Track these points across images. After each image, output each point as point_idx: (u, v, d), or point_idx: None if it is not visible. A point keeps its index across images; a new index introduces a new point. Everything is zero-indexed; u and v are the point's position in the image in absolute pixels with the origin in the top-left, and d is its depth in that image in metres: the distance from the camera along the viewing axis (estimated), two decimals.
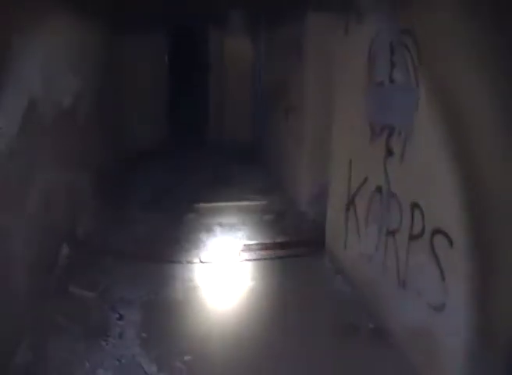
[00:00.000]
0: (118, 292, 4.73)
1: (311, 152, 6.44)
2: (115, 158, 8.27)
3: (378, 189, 4.07)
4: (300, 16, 6.42)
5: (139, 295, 4.70)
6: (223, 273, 5.29)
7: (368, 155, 4.28)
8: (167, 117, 10.45)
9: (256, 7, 9.15)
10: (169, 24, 10.06)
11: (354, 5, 4.45)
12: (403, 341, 3.71)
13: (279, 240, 6.01)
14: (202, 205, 7.11)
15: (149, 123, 9.95)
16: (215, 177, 8.45)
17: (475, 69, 2.81)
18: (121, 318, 4.33)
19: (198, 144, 10.51)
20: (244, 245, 5.84)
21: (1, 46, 3.48)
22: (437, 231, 3.23)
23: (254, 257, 5.60)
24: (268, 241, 5.98)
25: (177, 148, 10.13)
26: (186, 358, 3.78)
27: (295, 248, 5.77)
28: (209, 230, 6.38)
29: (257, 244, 5.87)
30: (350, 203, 4.74)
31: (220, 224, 6.52)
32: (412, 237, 3.55)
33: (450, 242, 3.08)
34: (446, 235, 3.12)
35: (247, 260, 5.55)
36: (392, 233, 3.87)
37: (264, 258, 5.57)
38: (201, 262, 5.47)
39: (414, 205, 3.49)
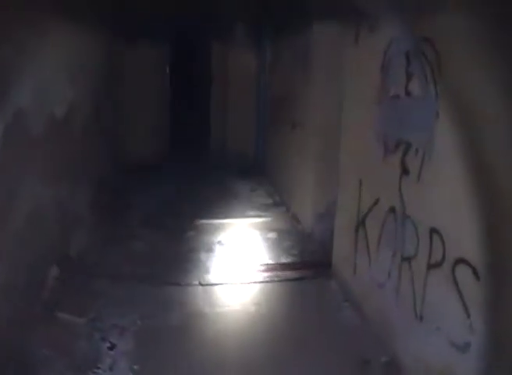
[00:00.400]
0: (110, 318, 4.40)
1: (317, 168, 6.12)
2: (115, 170, 8.01)
3: (392, 210, 3.75)
4: (306, 27, 6.13)
5: (133, 321, 4.39)
6: (224, 296, 4.98)
7: (380, 174, 3.96)
8: (168, 130, 10.16)
9: (260, 19, 8.89)
10: (171, 36, 9.81)
11: (365, 12, 4.15)
12: None
13: (283, 260, 5.69)
14: (203, 221, 6.80)
15: (150, 136, 9.69)
16: (217, 192, 8.15)
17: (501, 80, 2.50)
18: (112, 347, 4.01)
19: (200, 157, 10.20)
20: (246, 267, 5.51)
21: None
22: (460, 261, 2.90)
23: (257, 279, 5.27)
24: (271, 261, 5.66)
25: (178, 162, 9.83)
26: None
27: (300, 270, 5.44)
28: (209, 248, 6.05)
29: (260, 265, 5.54)
30: (360, 224, 4.42)
31: (221, 243, 6.20)
32: (431, 266, 3.22)
33: (476, 274, 2.75)
34: (471, 266, 2.79)
35: (249, 283, 5.21)
36: (407, 259, 3.55)
37: (268, 281, 5.23)
38: (201, 284, 5.15)
39: (433, 231, 3.16)
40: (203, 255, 5.87)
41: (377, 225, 4.04)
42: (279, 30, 7.94)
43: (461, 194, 2.86)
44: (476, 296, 2.76)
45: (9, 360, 3.58)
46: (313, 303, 4.86)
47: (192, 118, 11.09)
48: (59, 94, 4.98)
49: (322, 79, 5.91)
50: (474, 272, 2.76)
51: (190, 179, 9.08)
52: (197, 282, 5.18)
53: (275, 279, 5.27)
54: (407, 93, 3.46)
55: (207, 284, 5.15)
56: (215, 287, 5.12)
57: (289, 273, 5.38)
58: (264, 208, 7.37)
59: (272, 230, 6.57)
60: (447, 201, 3.01)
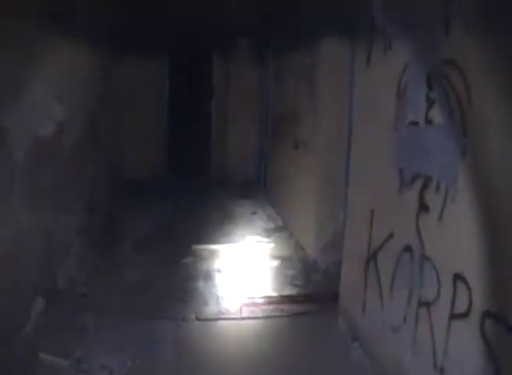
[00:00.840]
0: (98, 358, 4.03)
1: (322, 192, 5.77)
2: (110, 190, 7.66)
3: (408, 249, 3.39)
4: (313, 42, 5.81)
5: (123, 362, 4.02)
6: (222, 333, 4.62)
7: (394, 207, 3.60)
8: (167, 145, 9.83)
9: (263, 32, 8.58)
10: (171, 50, 9.51)
11: (379, 30, 3.82)
12: None
13: (286, 292, 5.33)
14: (201, 247, 6.44)
15: (148, 151, 9.40)
16: (216, 214, 7.80)
17: None
18: None
19: (199, 174, 9.84)
20: (247, 299, 5.14)
21: None
22: (490, 314, 2.54)
23: (258, 314, 4.90)
24: (273, 293, 5.29)
25: (177, 181, 9.47)
26: None
27: (305, 304, 5.07)
28: (208, 277, 5.70)
29: (261, 298, 5.17)
30: (371, 259, 4.05)
31: (220, 271, 5.84)
32: (454, 316, 2.85)
33: (509, 330, 2.39)
34: (503, 321, 2.43)
35: (249, 318, 4.85)
36: (425, 305, 3.18)
37: (270, 316, 4.86)
38: (197, 319, 4.78)
39: (457, 277, 2.80)
40: (200, 285, 5.52)
41: (390, 262, 3.67)
42: (283, 44, 7.62)
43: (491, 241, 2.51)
44: (509, 354, 2.40)
45: None
46: (319, 342, 4.48)
47: (192, 133, 10.75)
48: (45, 113, 4.64)
49: (328, 98, 5.59)
50: (508, 327, 2.40)
51: (188, 198, 8.75)
52: (193, 316, 4.81)
53: (278, 314, 4.90)
54: (428, 121, 3.10)
55: (204, 319, 4.78)
56: (213, 323, 4.75)
57: (293, 307, 5.00)
58: (265, 233, 7.01)
59: (274, 257, 6.21)
60: (475, 247, 2.64)
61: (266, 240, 6.71)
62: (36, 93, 4.32)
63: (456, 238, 2.82)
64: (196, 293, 5.31)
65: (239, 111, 9.46)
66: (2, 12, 3.53)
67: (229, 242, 6.62)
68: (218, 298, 5.21)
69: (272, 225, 7.42)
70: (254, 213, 8.00)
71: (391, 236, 3.67)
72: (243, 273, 5.81)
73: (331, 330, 4.67)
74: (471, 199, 2.68)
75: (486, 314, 2.57)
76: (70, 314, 4.63)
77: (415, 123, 3.27)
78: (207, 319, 4.78)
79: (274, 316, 4.86)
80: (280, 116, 7.68)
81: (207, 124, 9.99)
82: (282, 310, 4.96)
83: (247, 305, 5.03)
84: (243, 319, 4.84)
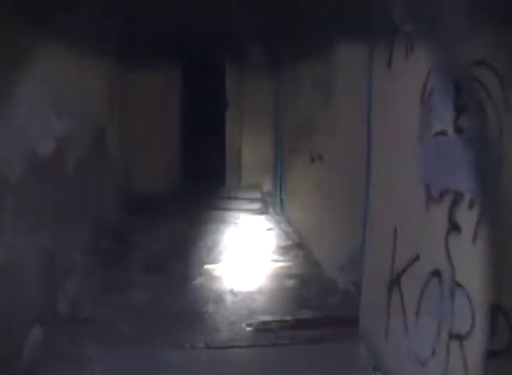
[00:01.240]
0: None
1: (340, 207, 5.42)
2: (119, 206, 7.38)
3: (436, 274, 3.02)
4: (328, 48, 5.48)
5: None
6: (233, 363, 4.28)
7: (420, 226, 3.24)
8: (180, 159, 9.54)
9: (277, 40, 8.27)
10: (184, 58, 9.23)
11: (401, 31, 3.47)
12: None
13: (302, 315, 4.96)
14: (213, 266, 6.12)
15: (160, 165, 9.10)
16: (230, 231, 7.47)
17: None
18: None
19: (213, 189, 9.50)
20: (260, 323, 4.80)
21: None
22: None
23: (272, 341, 4.53)
24: (289, 317, 4.92)
25: (190, 193, 9.17)
26: None
27: (322, 329, 4.70)
28: (219, 299, 5.36)
29: (275, 322, 4.82)
30: (395, 282, 3.67)
31: (232, 292, 5.49)
32: (493, 354, 2.48)
33: None
34: None
35: (262, 346, 4.49)
36: (458, 338, 2.80)
37: (286, 344, 4.49)
38: (207, 347, 4.42)
39: (497, 308, 2.43)
40: (211, 307, 5.18)
41: (416, 287, 3.29)
42: (297, 52, 7.29)
43: None
44: None
45: None
46: (337, 371, 4.12)
47: (205, 145, 10.47)
48: (43, 130, 4.36)
49: (346, 107, 5.24)
50: None
51: (201, 213, 8.45)
52: (202, 344, 4.47)
53: (294, 340, 4.53)
54: (458, 130, 2.74)
55: (214, 347, 4.43)
56: (224, 351, 4.41)
57: (310, 333, 4.63)
58: (281, 251, 6.66)
59: (290, 276, 5.86)
60: None
61: (282, 258, 6.36)
62: (30, 109, 4.04)
63: (494, 264, 2.45)
64: (206, 317, 4.98)
65: (253, 122, 9.14)
66: None
67: (242, 261, 6.29)
68: (229, 322, 4.87)
69: (288, 242, 7.06)
70: (270, 229, 7.65)
71: (417, 258, 3.30)
72: (257, 294, 5.47)
73: (350, 358, 4.28)
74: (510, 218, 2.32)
75: None
76: (71, 342, 4.32)
77: (443, 133, 2.91)
78: (217, 347, 4.43)
79: (289, 343, 4.49)
80: (296, 127, 7.34)
81: (221, 136, 9.67)
82: (299, 336, 4.59)
83: (260, 330, 4.70)
84: (256, 346, 4.48)
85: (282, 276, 5.89)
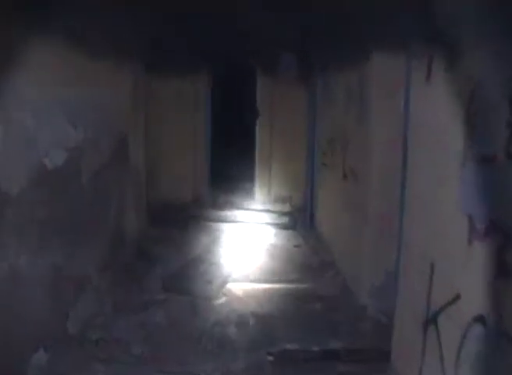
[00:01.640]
0: None
1: (374, 229, 5.02)
2: (141, 218, 7.09)
3: (480, 320, 2.62)
4: (363, 58, 5.10)
5: None
6: None
7: (462, 263, 2.84)
8: (208, 170, 9.22)
9: (310, 49, 7.91)
10: (212, 67, 8.92)
11: (443, 40, 3.09)
12: None
13: (330, 346, 4.57)
14: (236, 285, 5.79)
15: (187, 176, 8.81)
16: (256, 247, 7.13)
17: None
18: None
19: (242, 203, 9.15)
20: (283, 352, 4.43)
21: None
22: None
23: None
24: (315, 347, 4.53)
25: (216, 207, 8.86)
26: None
27: (351, 363, 4.31)
28: (240, 322, 5.03)
29: (299, 352, 4.45)
30: (431, 322, 3.28)
31: (255, 315, 5.14)
32: None
33: None
34: None
35: None
36: None
37: None
38: None
39: None
40: (231, 331, 4.86)
41: (456, 331, 2.89)
42: (331, 61, 6.93)
43: None
44: None
45: None
46: None
47: (234, 156, 10.16)
48: (54, 140, 4.09)
49: (382, 122, 4.86)
50: None
51: (228, 226, 8.14)
52: (219, 374, 4.14)
53: None
54: (510, 155, 2.35)
55: None
56: None
57: (336, 366, 4.26)
58: (308, 271, 6.28)
59: (317, 299, 5.48)
60: None
61: (309, 278, 5.98)
62: (37, 118, 3.77)
63: None
64: (225, 342, 4.65)
65: (285, 133, 8.76)
66: None
67: (267, 281, 5.94)
68: (249, 349, 4.52)
69: (316, 260, 6.66)
70: (299, 246, 7.28)
71: (457, 298, 2.90)
72: (281, 317, 5.11)
73: None
74: None
75: None
76: (78, 367, 4.04)
77: (491, 158, 2.51)
78: None
79: None
80: (328, 139, 6.97)
81: (251, 146, 9.32)
82: (325, 369, 4.23)
83: (282, 361, 4.33)
84: None
85: (308, 298, 5.52)
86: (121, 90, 6.12)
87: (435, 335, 3.23)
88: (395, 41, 4.36)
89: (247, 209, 8.77)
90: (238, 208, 8.85)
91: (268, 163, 8.97)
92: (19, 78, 3.49)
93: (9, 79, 3.32)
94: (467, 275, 2.76)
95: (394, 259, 4.75)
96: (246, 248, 7.06)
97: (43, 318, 4.01)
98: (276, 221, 8.29)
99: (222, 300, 5.50)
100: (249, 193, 9.45)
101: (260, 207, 8.83)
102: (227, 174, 9.93)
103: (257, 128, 9.12)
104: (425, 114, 3.48)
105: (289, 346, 4.53)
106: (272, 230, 8.00)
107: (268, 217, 8.44)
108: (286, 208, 8.69)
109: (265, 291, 5.69)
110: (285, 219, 8.31)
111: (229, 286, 5.79)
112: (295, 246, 7.26)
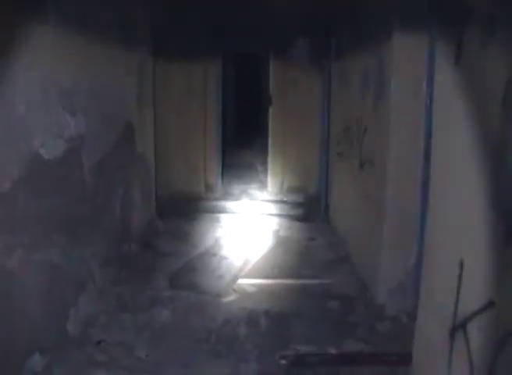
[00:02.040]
0: None
1: (393, 223, 4.70)
2: (147, 211, 6.83)
3: None
4: (382, 39, 4.77)
5: None
6: None
7: (498, 265, 2.53)
8: (219, 158, 8.88)
9: (325, 31, 7.57)
10: (224, 52, 8.60)
11: (474, 11, 2.75)
12: None
13: (346, 348, 4.28)
14: (247, 281, 5.52)
15: (197, 165, 8.54)
16: (268, 240, 6.82)
17: None
18: None
19: (255, 194, 8.85)
20: (296, 355, 4.15)
21: None
22: None
23: None
24: (331, 349, 4.24)
25: (228, 197, 8.58)
26: None
27: (370, 366, 4.02)
28: (252, 321, 4.74)
29: (314, 355, 4.16)
30: (459, 328, 2.96)
31: (267, 313, 4.85)
32: None
33: None
34: None
35: None
36: None
37: None
38: None
39: None
40: (241, 332, 4.58)
41: (489, 342, 2.59)
42: (346, 44, 6.58)
43: None
44: None
45: None
46: None
47: (246, 144, 9.85)
48: (50, 130, 3.81)
49: (401, 108, 4.52)
50: None
51: (240, 218, 7.87)
52: None
53: None
54: None
55: None
56: None
57: (355, 370, 3.97)
58: (324, 266, 5.98)
59: (332, 297, 5.18)
60: None
61: (324, 274, 5.69)
62: (31, 106, 3.49)
63: None
64: (235, 344, 4.36)
65: (298, 121, 8.42)
66: None
67: (280, 277, 5.65)
68: (260, 351, 4.24)
69: (331, 255, 6.37)
70: (313, 239, 6.97)
71: (491, 305, 2.59)
72: (295, 317, 4.82)
73: None
74: None
75: None
76: (78, 372, 3.78)
77: None
78: None
79: None
80: (343, 127, 6.63)
81: (263, 134, 8.99)
82: (342, 374, 3.94)
83: (296, 364, 4.05)
84: None
85: (323, 295, 5.23)
86: (126, 76, 5.84)
87: (464, 343, 2.92)
88: (418, 20, 4.02)
89: (260, 200, 8.47)
90: (250, 198, 8.56)
91: (281, 152, 8.64)
92: (12, 63, 3.22)
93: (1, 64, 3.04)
94: (505, 280, 2.45)
95: (414, 256, 4.46)
96: (258, 241, 6.76)
97: (39, 319, 3.75)
98: (290, 212, 8.00)
99: (233, 297, 5.23)
100: (261, 183, 9.15)
101: (273, 198, 8.52)
102: (239, 163, 9.64)
103: (269, 116, 8.77)
104: (454, 101, 3.14)
105: (303, 348, 4.25)
106: (286, 222, 7.71)
107: (281, 208, 8.15)
108: (300, 198, 8.37)
109: (278, 287, 5.42)
110: (299, 211, 8.01)
111: (240, 281, 5.51)
112: (309, 239, 6.96)
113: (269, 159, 8.82)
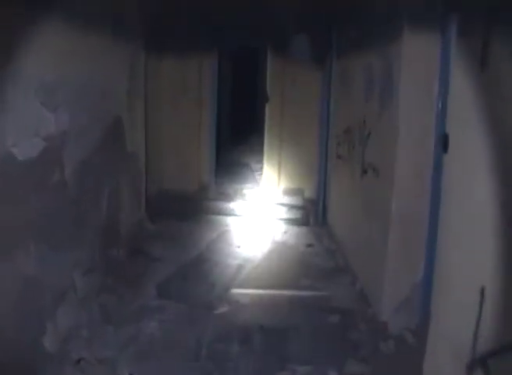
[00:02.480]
0: None
1: (398, 235, 4.37)
2: (137, 213, 6.49)
3: None
4: (391, 37, 4.43)
5: None
6: None
7: None
8: (213, 158, 8.52)
9: (327, 27, 7.24)
10: (221, 47, 8.25)
11: (506, 15, 2.42)
12: None
13: (348, 370, 3.96)
14: (240, 292, 5.20)
15: (190, 165, 8.20)
16: (263, 246, 6.51)
17: None
18: None
19: (249, 194, 8.51)
20: None
21: None
22: None
23: None
24: (331, 371, 3.92)
25: (221, 199, 8.23)
26: None
27: None
28: (245, 337, 4.41)
29: None
30: (478, 364, 2.65)
31: (262, 328, 4.53)
32: None
33: None
34: None
35: None
36: None
37: None
38: None
39: None
40: (234, 349, 4.26)
41: None
42: (349, 41, 6.24)
43: None
44: None
45: None
46: None
47: (242, 142, 9.52)
48: (26, 127, 3.47)
49: (409, 112, 4.18)
50: None
51: (235, 221, 7.56)
52: None
53: None
54: None
55: None
56: None
57: None
58: (322, 276, 5.64)
59: (331, 311, 4.85)
60: None
61: (322, 286, 5.36)
62: (1, 102, 3.14)
63: None
64: (227, 362, 4.04)
65: (297, 120, 8.04)
66: None
67: (275, 287, 5.32)
68: (254, 372, 3.92)
69: (330, 263, 6.04)
70: (310, 246, 6.65)
71: None
72: (292, 332, 4.49)
73: None
74: None
75: None
76: None
77: None
78: None
79: None
80: (344, 129, 6.29)
81: (259, 133, 8.64)
82: None
83: None
84: None
85: (322, 309, 4.90)
86: (116, 70, 5.50)
87: None
88: (432, 17, 3.69)
89: (255, 201, 8.13)
90: (245, 199, 8.22)
91: (278, 152, 8.25)
92: None
93: None
94: None
95: (422, 270, 4.15)
96: (253, 247, 6.44)
97: (11, 335, 3.40)
98: (287, 216, 7.67)
99: (225, 309, 4.90)
100: (257, 184, 8.80)
101: (268, 199, 8.16)
102: (233, 163, 9.30)
103: (266, 114, 8.42)
104: (472, 109, 2.82)
105: (301, 369, 3.94)
106: (282, 226, 7.40)
107: (277, 211, 7.82)
108: (297, 201, 8.03)
109: (274, 298, 5.09)
110: (296, 214, 7.69)
111: (233, 291, 5.19)
112: (307, 246, 6.63)
113: (265, 159, 8.45)
